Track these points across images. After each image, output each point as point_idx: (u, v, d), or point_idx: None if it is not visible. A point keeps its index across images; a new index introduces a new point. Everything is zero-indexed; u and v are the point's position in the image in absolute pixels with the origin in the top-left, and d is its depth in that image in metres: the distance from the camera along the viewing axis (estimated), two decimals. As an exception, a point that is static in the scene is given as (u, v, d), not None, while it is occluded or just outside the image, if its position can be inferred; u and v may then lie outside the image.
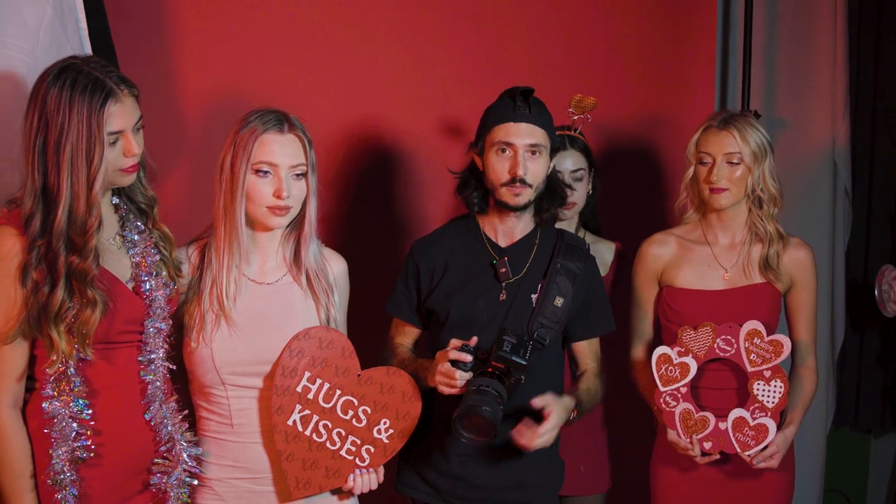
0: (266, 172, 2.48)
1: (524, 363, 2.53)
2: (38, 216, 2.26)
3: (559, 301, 2.71)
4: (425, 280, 2.81)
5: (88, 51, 2.81)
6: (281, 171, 2.49)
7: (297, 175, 2.52)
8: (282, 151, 2.49)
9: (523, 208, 2.74)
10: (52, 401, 2.28)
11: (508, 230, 2.80)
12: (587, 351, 2.87)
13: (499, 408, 2.46)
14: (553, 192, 2.80)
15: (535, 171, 2.70)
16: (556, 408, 2.58)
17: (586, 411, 2.81)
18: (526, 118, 2.68)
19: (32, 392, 2.33)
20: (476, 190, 2.79)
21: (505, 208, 2.74)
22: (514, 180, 2.68)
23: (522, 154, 2.68)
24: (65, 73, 2.26)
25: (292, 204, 2.52)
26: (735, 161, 2.88)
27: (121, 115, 2.29)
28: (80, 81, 2.24)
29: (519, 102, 2.69)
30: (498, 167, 2.70)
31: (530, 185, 2.70)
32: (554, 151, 2.77)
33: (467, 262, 2.79)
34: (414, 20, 3.50)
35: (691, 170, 2.97)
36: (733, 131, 2.88)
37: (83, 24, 2.80)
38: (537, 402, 2.58)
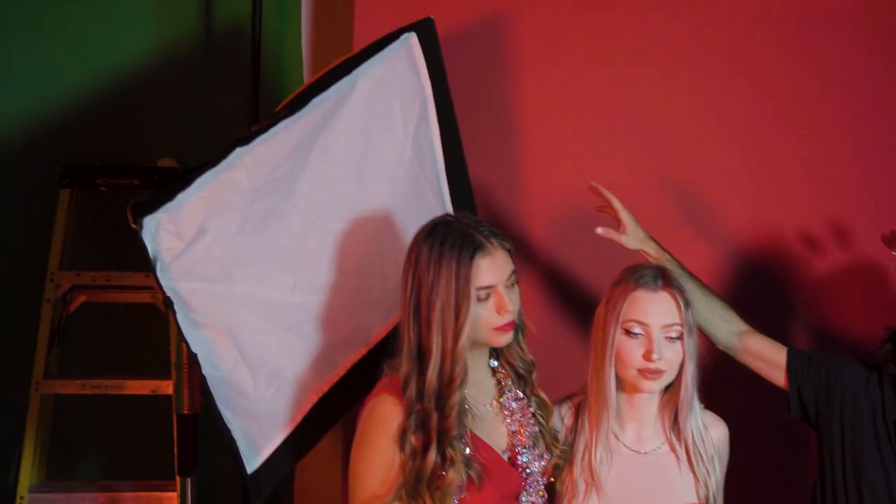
0: (636, 332, 2.35)
1: None
2: (413, 378, 2.23)
3: None
4: (821, 387, 2.53)
5: (445, 187, 2.80)
6: (652, 331, 2.34)
7: (672, 336, 2.37)
8: (654, 310, 2.35)
9: None
10: None
11: None
12: None
13: None
14: None
15: None
16: None
17: None
18: None
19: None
20: None
21: None
22: None
23: None
24: (435, 230, 2.26)
25: (665, 367, 2.35)
26: None
27: (490, 269, 2.24)
28: (449, 237, 2.24)
29: None
30: None
31: None
32: None
33: (871, 408, 2.49)
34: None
35: None
36: None
37: (440, 164, 2.78)
38: None
